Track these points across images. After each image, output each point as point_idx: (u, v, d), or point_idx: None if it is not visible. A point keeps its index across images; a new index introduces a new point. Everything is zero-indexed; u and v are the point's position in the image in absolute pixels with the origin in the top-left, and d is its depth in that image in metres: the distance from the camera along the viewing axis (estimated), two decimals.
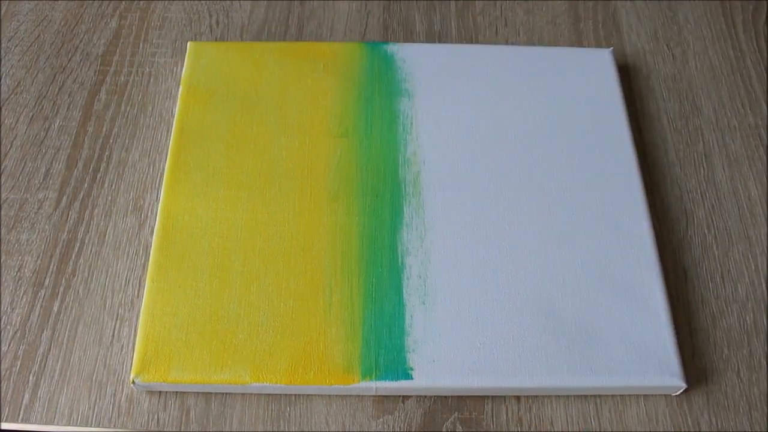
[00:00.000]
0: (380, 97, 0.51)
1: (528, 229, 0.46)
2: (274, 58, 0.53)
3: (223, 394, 0.42)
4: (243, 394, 0.42)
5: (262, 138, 0.49)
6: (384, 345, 0.42)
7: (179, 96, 0.51)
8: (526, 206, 0.47)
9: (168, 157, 0.48)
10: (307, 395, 0.42)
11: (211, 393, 0.42)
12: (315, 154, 0.49)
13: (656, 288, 0.44)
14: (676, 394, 0.43)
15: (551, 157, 0.49)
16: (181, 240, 0.45)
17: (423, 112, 0.51)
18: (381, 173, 0.48)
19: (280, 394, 0.42)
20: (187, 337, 0.42)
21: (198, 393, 0.42)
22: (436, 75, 0.53)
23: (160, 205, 0.46)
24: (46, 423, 0.41)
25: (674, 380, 0.41)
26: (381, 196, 0.47)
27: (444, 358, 0.42)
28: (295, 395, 0.42)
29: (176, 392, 0.42)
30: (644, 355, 0.42)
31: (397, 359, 0.41)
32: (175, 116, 0.50)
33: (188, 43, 0.53)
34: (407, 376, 0.41)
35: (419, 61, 0.53)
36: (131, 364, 0.42)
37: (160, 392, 0.42)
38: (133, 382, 0.41)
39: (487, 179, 0.48)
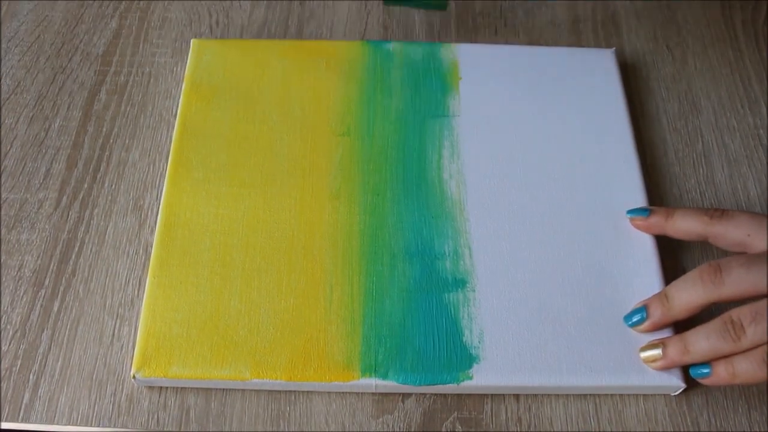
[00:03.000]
0: (382, 96, 0.51)
1: (528, 228, 0.46)
2: (277, 56, 0.53)
3: (223, 393, 0.42)
4: (243, 393, 0.42)
5: (265, 135, 0.49)
6: (384, 343, 0.42)
7: (182, 93, 0.51)
8: (526, 205, 0.47)
9: (170, 153, 0.48)
10: (307, 395, 0.42)
11: (211, 392, 0.42)
12: (317, 152, 0.49)
13: (656, 288, 0.44)
14: (676, 393, 0.43)
15: (552, 156, 0.49)
16: (182, 236, 0.45)
17: None
18: (382, 172, 0.48)
19: (280, 394, 0.42)
20: (188, 332, 0.42)
21: (198, 392, 0.42)
22: None
23: (162, 201, 0.46)
24: (46, 422, 0.41)
25: (673, 380, 0.41)
26: (382, 195, 0.47)
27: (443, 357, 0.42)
28: (295, 395, 0.42)
29: (176, 392, 0.42)
30: None
31: (396, 356, 0.42)
32: (178, 113, 0.50)
33: (192, 41, 0.53)
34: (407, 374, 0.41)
35: None
36: (131, 363, 0.42)
37: (160, 391, 0.42)
38: (134, 377, 0.41)
39: (486, 178, 0.48)
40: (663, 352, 0.41)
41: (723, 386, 0.43)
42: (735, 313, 0.38)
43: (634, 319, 0.42)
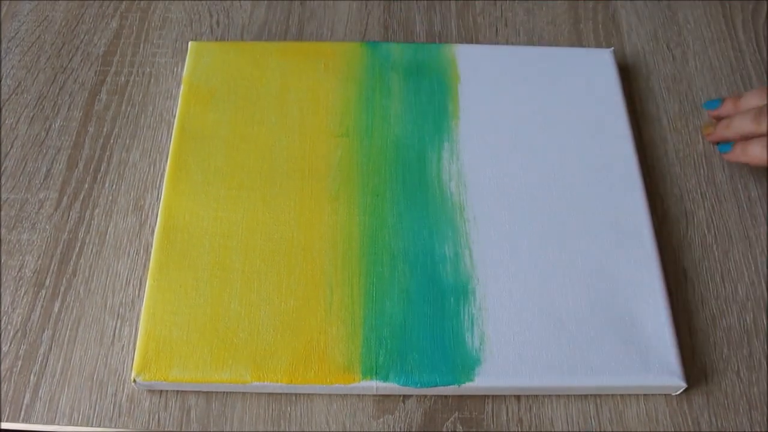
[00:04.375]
0: (381, 97, 0.51)
1: (528, 229, 0.46)
2: (275, 58, 0.53)
3: (223, 393, 0.42)
4: (244, 393, 0.42)
5: (263, 137, 0.49)
6: (384, 344, 0.42)
7: (180, 95, 0.51)
8: (526, 206, 0.47)
9: (169, 156, 0.48)
10: (308, 395, 0.42)
11: (212, 393, 0.42)
12: (316, 154, 0.49)
13: (656, 288, 0.44)
14: (677, 393, 0.43)
15: (551, 156, 0.49)
16: (182, 239, 0.45)
17: None
18: (382, 173, 0.48)
19: (281, 394, 0.42)
20: (188, 336, 0.42)
21: (199, 392, 0.42)
22: None
23: (161, 204, 0.46)
24: (47, 423, 0.41)
25: (674, 380, 0.41)
26: (381, 196, 0.47)
27: (444, 359, 0.42)
28: (296, 395, 0.42)
29: (177, 392, 0.42)
30: (644, 354, 0.42)
31: (397, 359, 0.42)
32: (177, 116, 0.50)
33: (189, 43, 0.53)
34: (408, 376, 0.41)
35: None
36: (132, 363, 0.42)
37: (160, 392, 0.42)
38: (134, 381, 0.41)
39: (486, 179, 0.48)
40: (715, 127, 0.50)
41: (738, 162, 0.49)
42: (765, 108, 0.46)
43: (713, 105, 0.51)
